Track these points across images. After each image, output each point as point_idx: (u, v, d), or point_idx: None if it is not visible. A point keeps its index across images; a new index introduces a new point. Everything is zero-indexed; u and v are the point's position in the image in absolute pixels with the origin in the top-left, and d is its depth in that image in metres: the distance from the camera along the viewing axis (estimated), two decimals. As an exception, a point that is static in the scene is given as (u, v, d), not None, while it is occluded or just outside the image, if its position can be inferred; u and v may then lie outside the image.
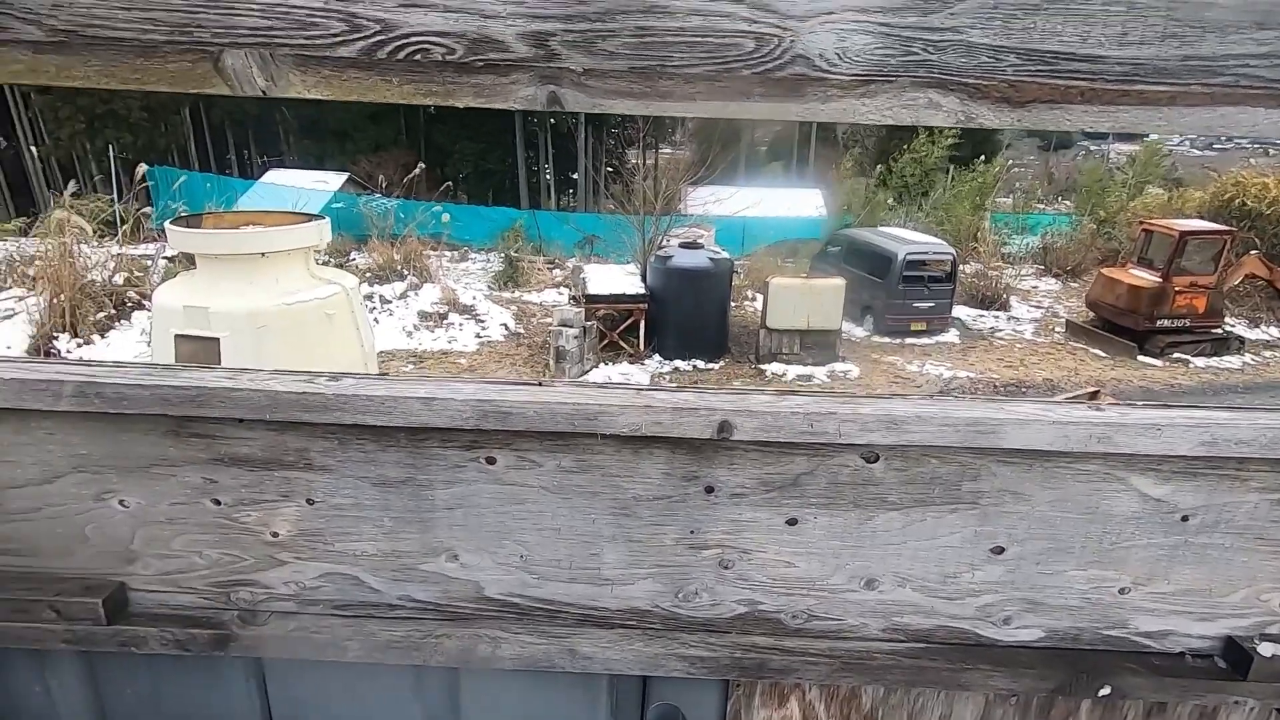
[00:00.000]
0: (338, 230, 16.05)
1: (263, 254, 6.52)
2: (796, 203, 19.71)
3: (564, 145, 27.14)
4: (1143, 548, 1.09)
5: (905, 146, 19.46)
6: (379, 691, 1.23)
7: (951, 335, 12.58)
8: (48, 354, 9.29)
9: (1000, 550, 1.10)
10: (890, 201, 18.40)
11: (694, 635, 1.16)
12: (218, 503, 1.08)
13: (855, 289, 12.36)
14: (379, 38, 0.81)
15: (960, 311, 13.44)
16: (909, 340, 12.27)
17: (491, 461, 1.06)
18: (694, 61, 0.83)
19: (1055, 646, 1.16)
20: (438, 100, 0.84)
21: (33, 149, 19.63)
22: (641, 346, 11.30)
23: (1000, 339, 12.68)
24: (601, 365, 10.97)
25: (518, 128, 25.85)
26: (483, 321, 12.35)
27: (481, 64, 0.82)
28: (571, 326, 10.62)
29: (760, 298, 11.56)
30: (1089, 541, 1.09)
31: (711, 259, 11.28)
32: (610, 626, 1.16)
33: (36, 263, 10.06)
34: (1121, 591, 1.12)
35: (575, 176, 28.02)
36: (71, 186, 10.44)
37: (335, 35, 0.81)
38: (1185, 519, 1.07)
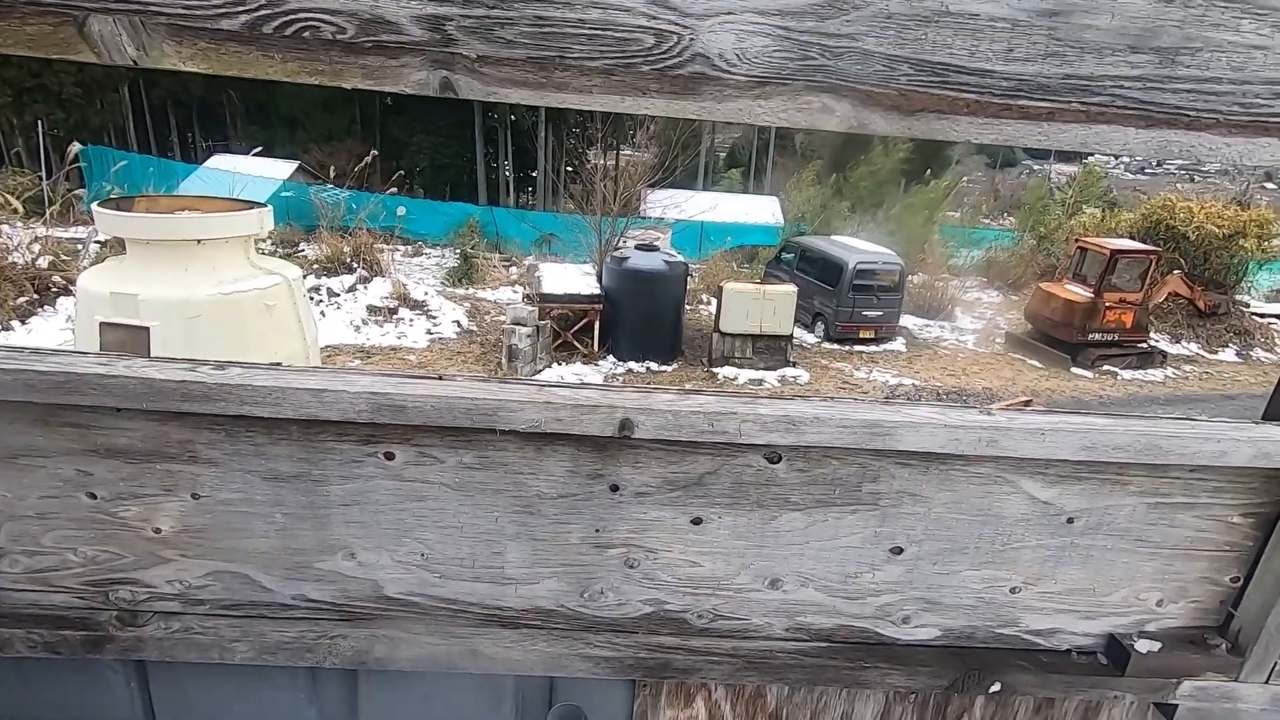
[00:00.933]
0: (286, 220, 15.62)
1: (199, 241, 6.27)
2: (754, 209, 19.98)
3: (524, 143, 26.90)
4: (1032, 549, 1.13)
5: (862, 158, 19.93)
6: (273, 694, 1.18)
7: (898, 344, 12.91)
8: (-38, 339, 8.75)
9: (899, 550, 1.12)
10: (845, 211, 18.81)
11: (600, 635, 1.15)
12: (93, 496, 1.02)
13: (807, 296, 12.59)
14: (264, 11, 0.78)
15: (908, 320, 13.81)
16: (858, 347, 12.55)
17: (390, 457, 1.03)
18: (593, 54, 0.82)
19: (951, 645, 1.19)
20: (324, 80, 0.81)
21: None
22: (595, 347, 11.27)
23: (944, 348, 13.08)
24: (555, 365, 10.89)
25: (477, 123, 25.52)
26: (434, 318, 12.13)
27: (371, 44, 0.79)
28: (525, 325, 10.52)
29: (714, 301, 11.66)
30: (982, 542, 1.12)
31: (667, 262, 11.32)
32: (515, 626, 1.14)
33: (-49, 242, 9.47)
34: (1013, 591, 1.16)
35: (535, 175, 27.80)
36: (-7, 163, 9.85)
37: (217, 6, 0.78)
38: (1071, 521, 1.11)
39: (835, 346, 12.58)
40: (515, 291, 14.00)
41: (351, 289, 12.10)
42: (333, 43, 0.79)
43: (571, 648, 1.13)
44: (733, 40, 0.81)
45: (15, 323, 9.38)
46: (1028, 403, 6.28)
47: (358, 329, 11.40)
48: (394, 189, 15.75)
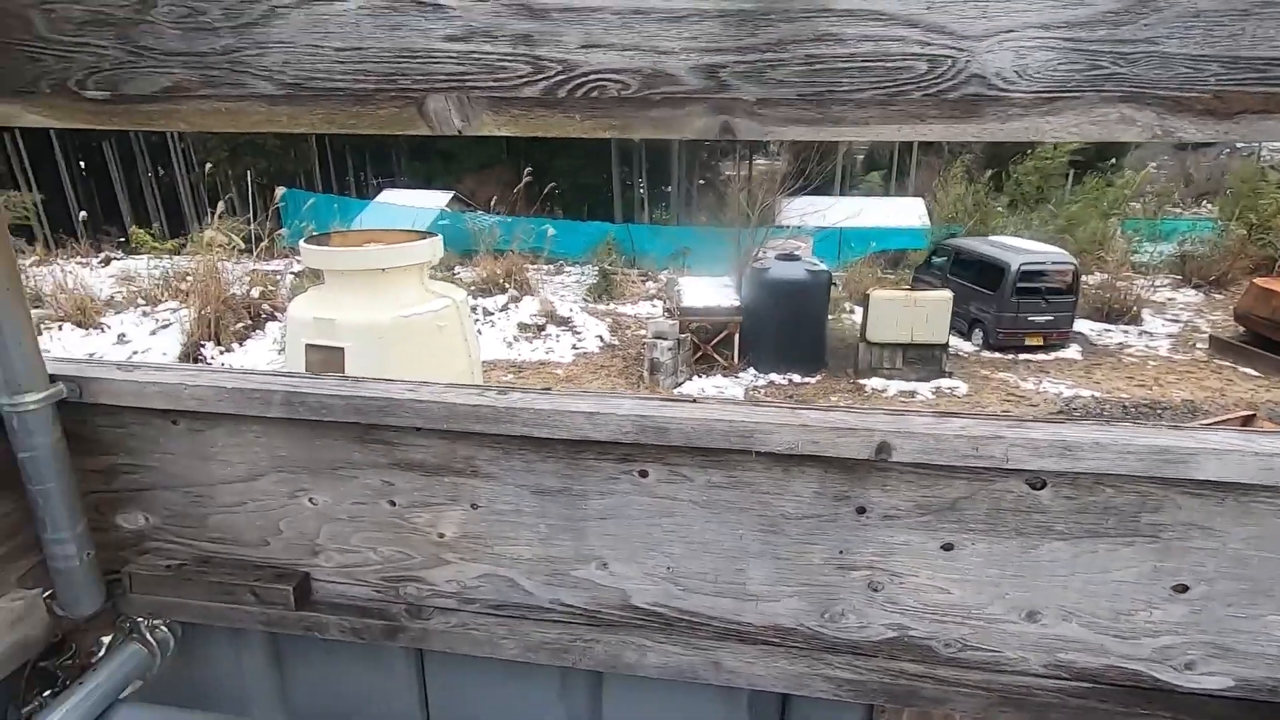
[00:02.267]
0: (444, 246, 17.00)
1: (383, 269, 6.97)
2: (898, 212, 19.04)
3: (657, 159, 27.47)
4: None
5: (1028, 151, 18.40)
6: (527, 689, 1.28)
7: (1073, 351, 11.72)
8: (196, 360, 10.30)
9: (1184, 589, 1.03)
10: (1003, 209, 17.43)
11: (839, 657, 1.15)
12: (393, 504, 1.17)
13: (963, 301, 11.77)
14: (560, 77, 0.87)
15: (1083, 325, 12.52)
16: (1023, 356, 11.54)
17: (644, 475, 1.10)
18: (864, 85, 0.83)
19: (1248, 698, 1.06)
20: (616, 133, 0.89)
21: (184, 176, 21.92)
22: (735, 360, 11.22)
23: (1130, 355, 11.70)
24: (695, 378, 10.97)
25: (613, 143, 26.39)
26: (579, 333, 12.64)
27: (658, 98, 0.86)
28: (666, 339, 10.69)
29: (859, 310, 11.22)
30: None
31: (809, 270, 11.07)
32: (753, 642, 1.17)
33: (187, 278, 11.19)
34: None
35: (669, 189, 28.27)
36: (220, 208, 11.56)
37: (521, 77, 0.88)
38: None
39: (997, 355, 11.65)
40: (654, 306, 14.27)
41: (504, 308, 12.92)
42: (622, 100, 0.87)
43: (812, 667, 1.14)
44: (1011, 58, 0.80)
45: (235, 344, 10.91)
46: (1250, 418, 5.46)
47: (510, 345, 12.13)
48: (538, 215, 16.68)
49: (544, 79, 0.87)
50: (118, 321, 11.06)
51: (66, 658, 1.19)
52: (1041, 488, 1.01)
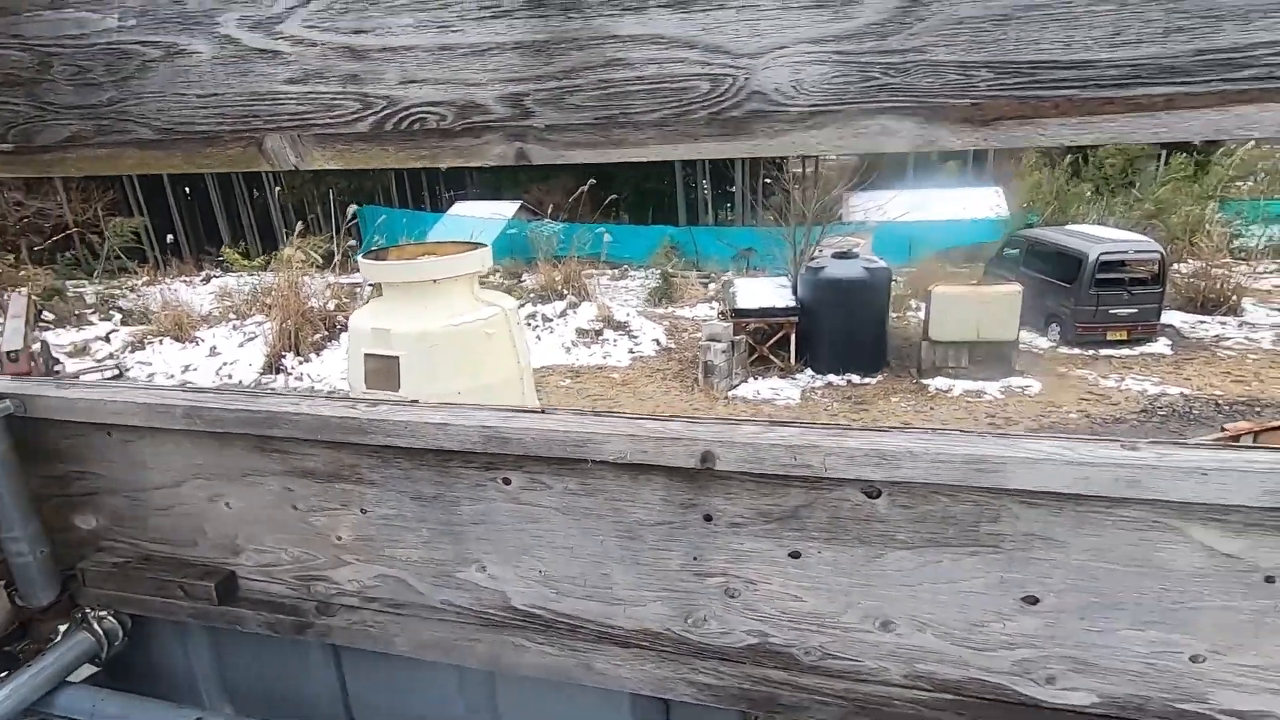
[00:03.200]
0: (511, 254, 17.53)
1: (435, 280, 7.29)
2: (971, 203, 18.17)
3: (721, 161, 27.33)
4: (1215, 610, 0.93)
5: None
6: (430, 682, 1.37)
7: (1160, 345, 10.88)
8: (278, 370, 11.07)
9: (1034, 600, 0.99)
10: (1087, 196, 16.36)
11: (707, 662, 1.17)
12: (296, 508, 1.27)
13: (1038, 295, 11.14)
14: (386, 111, 0.95)
15: (1173, 317, 11.60)
16: (1105, 351, 10.81)
17: (507, 482, 1.16)
18: (654, 107, 0.87)
19: (1114, 715, 1.02)
20: (426, 163, 0.96)
21: (274, 197, 23.56)
22: (792, 360, 11.04)
23: (1227, 349, 10.74)
24: (751, 380, 10.86)
25: (676, 146, 26.41)
26: (635, 337, 12.76)
27: (460, 128, 0.92)
28: (720, 341, 10.64)
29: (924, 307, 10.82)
30: (1144, 598, 0.95)
31: (866, 268, 10.76)
32: (626, 645, 1.20)
33: (271, 293, 12.04)
34: (1194, 660, 0.96)
35: (733, 190, 28.07)
36: (299, 227, 12.38)
37: (354, 113, 0.96)
38: (1272, 580, 0.90)
39: (1076, 351, 10.96)
40: (712, 308, 14.21)
41: (563, 314, 13.20)
42: (433, 130, 0.93)
43: (678, 671, 1.16)
44: (788, 74, 0.81)
45: (313, 355, 11.65)
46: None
47: (568, 350, 12.38)
48: (601, 221, 16.94)
49: (373, 114, 0.95)
50: (211, 335, 12.01)
51: (26, 643, 1.36)
52: (877, 496, 1.00)
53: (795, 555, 1.07)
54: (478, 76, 0.90)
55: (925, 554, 1.02)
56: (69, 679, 1.31)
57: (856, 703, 1.08)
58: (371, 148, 0.96)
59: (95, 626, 1.36)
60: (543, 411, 1.12)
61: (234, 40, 0.96)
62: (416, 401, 1.20)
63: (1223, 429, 5.20)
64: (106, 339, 12.08)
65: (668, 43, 0.84)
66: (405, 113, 0.94)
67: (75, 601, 1.40)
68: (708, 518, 1.09)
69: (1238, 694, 0.96)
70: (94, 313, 13.16)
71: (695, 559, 1.12)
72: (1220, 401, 9.01)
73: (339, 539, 1.28)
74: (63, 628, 1.37)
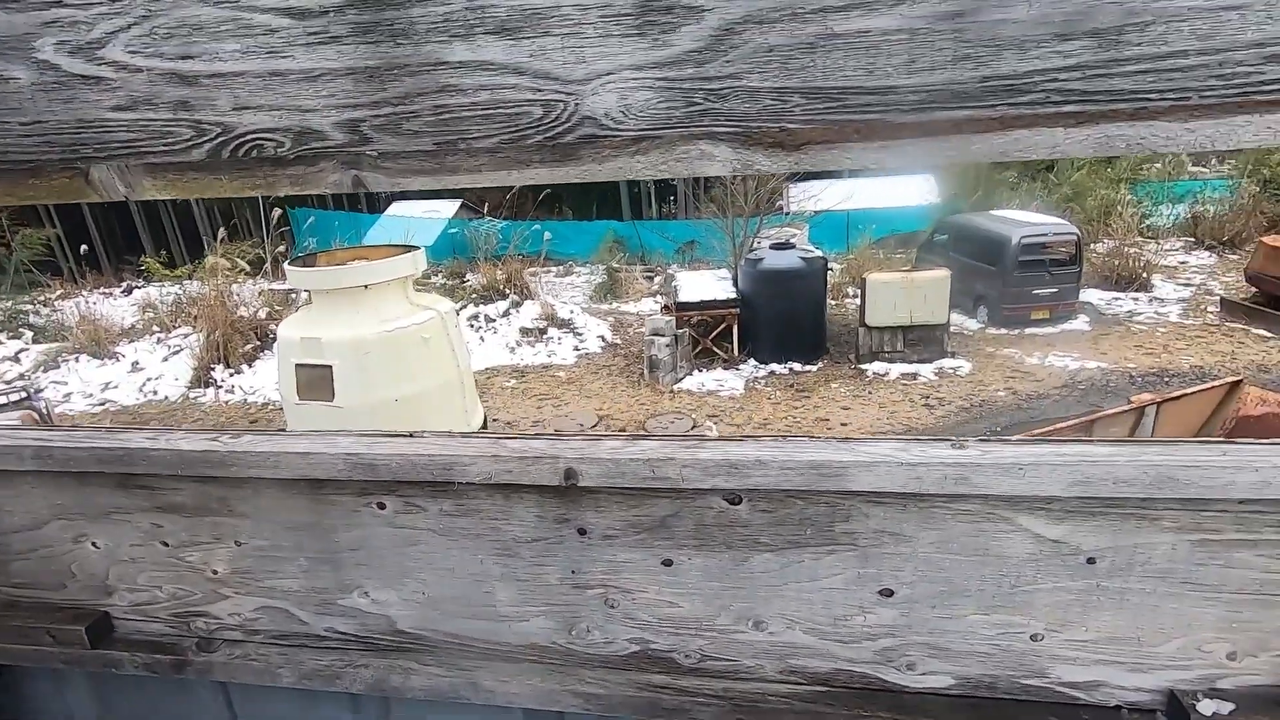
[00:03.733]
0: (453, 254, 17.21)
1: (365, 286, 7.10)
2: (904, 190, 18.72)
3: (662, 153, 27.28)
4: (1048, 591, 1.00)
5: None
6: (325, 711, 1.35)
7: (1080, 322, 11.45)
8: (207, 384, 10.63)
9: (889, 593, 1.04)
10: (1011, 181, 17.02)
11: (593, 672, 1.18)
12: (166, 544, 1.23)
13: (966, 278, 11.57)
14: (222, 138, 0.92)
15: (1091, 295, 12.21)
16: (1029, 330, 11.31)
17: (382, 507, 1.15)
18: (491, 132, 0.87)
19: (968, 695, 1.08)
20: (263, 192, 0.93)
21: (199, 201, 22.51)
22: (735, 352, 11.20)
23: (1139, 323, 11.38)
24: (696, 372, 10.97)
25: (616, 140, 26.32)
26: (580, 335, 12.72)
27: (293, 156, 0.90)
28: (663, 335, 10.71)
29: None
30: (985, 584, 1.01)
31: (803, 258, 10.98)
32: (514, 661, 1.21)
33: (197, 303, 11.54)
34: (1034, 638, 1.03)
35: (675, 183, 28.18)
36: (221, 234, 11.88)
37: (187, 140, 0.93)
38: (1092, 561, 0.97)
39: (1003, 331, 11.44)
40: (656, 303, 14.28)
41: (505, 313, 13.05)
42: (267, 158, 0.91)
43: (564, 684, 1.18)
44: (615, 99, 0.83)
45: (244, 366, 11.22)
46: (1236, 384, 5.29)
47: (512, 350, 12.26)
48: (544, 218, 16.77)
49: (208, 140, 0.92)
50: (132, 350, 11.45)
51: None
52: (738, 503, 1.04)
53: (668, 563, 1.10)
54: (312, 102, 0.89)
55: (787, 555, 1.05)
56: None
57: (734, 701, 1.12)
58: (205, 177, 0.93)
59: (-42, 680, 1.29)
60: (410, 435, 1.12)
61: (54, 66, 0.92)
62: (283, 430, 1.18)
63: (1129, 400, 5.51)
64: (15, 359, 11.39)
65: (498, 69, 0.84)
66: (240, 139, 0.91)
67: None
68: (582, 531, 1.10)
69: (1074, 667, 1.03)
70: (1, 331, 12.37)
71: (573, 572, 1.13)
72: (1134, 374, 9.54)
73: (215, 573, 1.25)
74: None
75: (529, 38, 0.82)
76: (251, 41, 0.87)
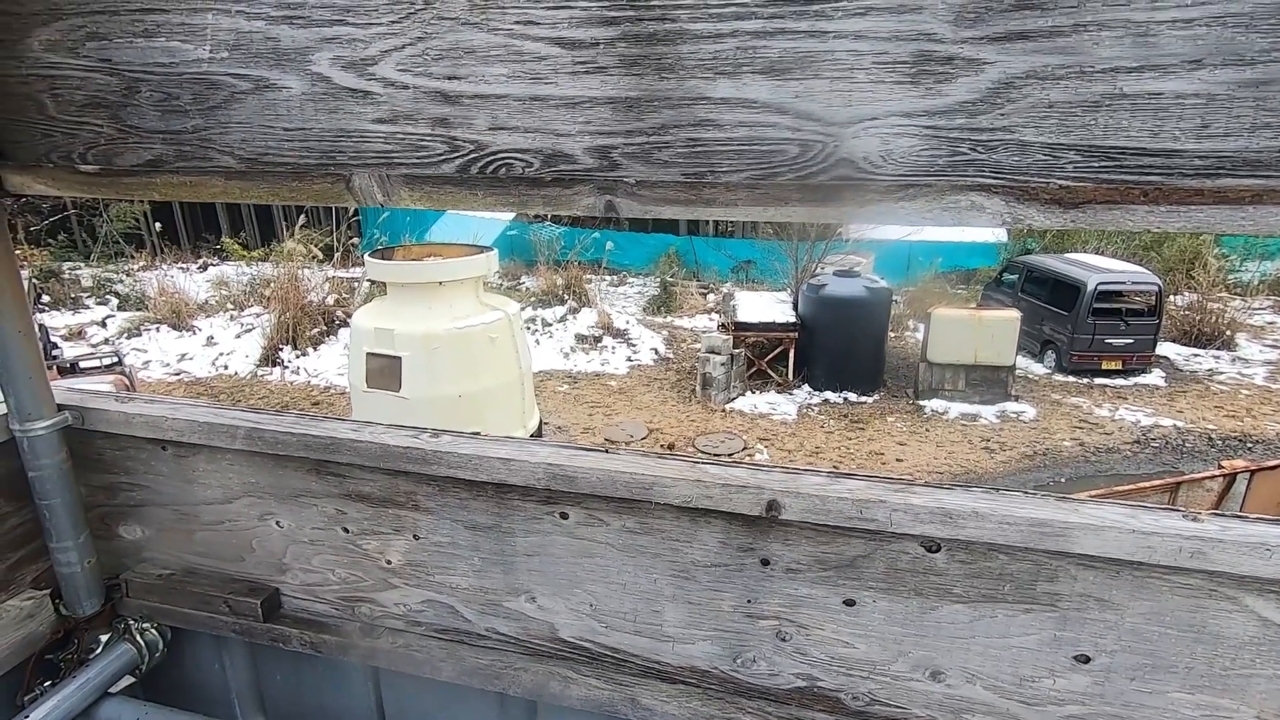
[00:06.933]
0: (510, 256, 17.51)
1: (440, 283, 7.28)
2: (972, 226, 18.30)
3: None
4: (1267, 679, 0.96)
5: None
6: (470, 709, 1.37)
7: (1155, 376, 11.01)
8: (274, 363, 11.01)
9: (1086, 659, 1.02)
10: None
11: (752, 701, 1.18)
12: (346, 530, 1.28)
13: (1034, 321, 11.27)
14: (473, 155, 0.96)
15: (1168, 349, 11.74)
16: (1099, 380, 10.92)
17: (565, 517, 1.17)
18: (741, 166, 0.89)
19: None
20: (515, 209, 0.97)
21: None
22: (790, 376, 11.09)
23: (1220, 383, 10.88)
24: (748, 393, 10.90)
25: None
26: (634, 345, 12.78)
27: (550, 177, 0.94)
28: (719, 353, 10.68)
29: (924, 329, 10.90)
30: (1195, 663, 0.97)
31: (868, 287, 10.83)
32: (672, 682, 1.22)
33: (270, 286, 11.98)
34: None
35: (734, 201, 28.12)
36: (301, 220, 12.33)
37: (439, 155, 0.98)
38: None
39: (1070, 379, 11.07)
40: (711, 319, 14.25)
41: (562, 319, 13.21)
42: (520, 178, 0.95)
43: (723, 710, 1.18)
44: (877, 144, 0.84)
45: (310, 349, 11.59)
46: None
47: (567, 356, 12.38)
48: (602, 227, 16.95)
49: (459, 156, 0.97)
50: (208, 324, 11.94)
51: (69, 653, 1.36)
52: (936, 551, 1.03)
53: (850, 603, 1.09)
54: (567, 127, 0.92)
55: (980, 608, 1.04)
56: (110, 690, 1.31)
57: None
58: (459, 191, 0.97)
59: (137, 638, 1.36)
60: (605, 450, 1.14)
61: (326, 78, 0.97)
62: (479, 434, 1.21)
63: (1219, 465, 5.27)
64: (103, 324, 11.99)
65: (759, 107, 0.86)
66: (492, 157, 0.96)
67: (117, 612, 1.40)
68: (765, 562, 1.11)
69: None
70: (90, 296, 13.05)
71: (749, 601, 1.14)
72: (1213, 435, 9.11)
73: (388, 563, 1.29)
74: (104, 638, 1.36)
75: (798, 79, 0.84)
76: (519, 67, 0.91)
